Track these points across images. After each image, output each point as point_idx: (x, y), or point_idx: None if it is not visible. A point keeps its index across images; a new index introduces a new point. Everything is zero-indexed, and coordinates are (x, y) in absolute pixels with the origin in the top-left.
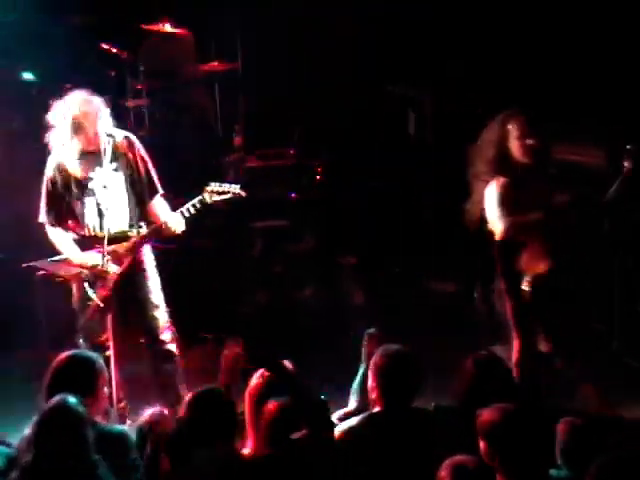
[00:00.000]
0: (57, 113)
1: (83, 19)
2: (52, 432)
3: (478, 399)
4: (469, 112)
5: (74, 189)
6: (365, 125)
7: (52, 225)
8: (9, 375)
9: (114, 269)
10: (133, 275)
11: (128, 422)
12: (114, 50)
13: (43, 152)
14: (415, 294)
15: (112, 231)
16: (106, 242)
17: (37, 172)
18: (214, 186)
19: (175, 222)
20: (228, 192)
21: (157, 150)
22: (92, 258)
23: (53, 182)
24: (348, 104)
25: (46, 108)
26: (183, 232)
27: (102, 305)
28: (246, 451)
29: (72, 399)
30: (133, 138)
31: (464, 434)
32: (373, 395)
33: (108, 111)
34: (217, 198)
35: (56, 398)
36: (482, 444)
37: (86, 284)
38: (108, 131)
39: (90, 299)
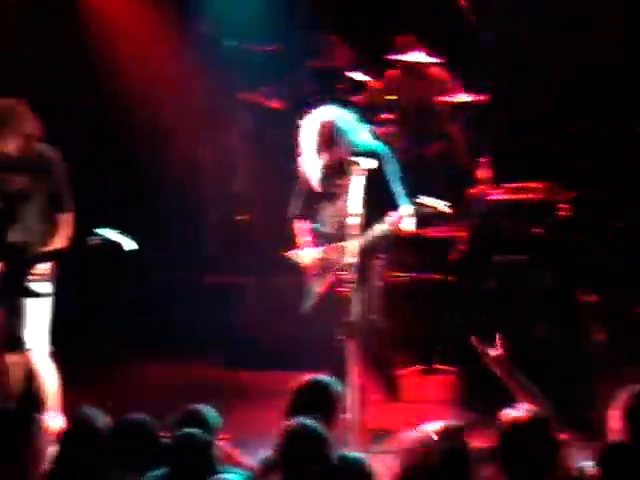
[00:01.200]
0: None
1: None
2: (299, 455)
3: None
4: None
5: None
6: (617, 165)
7: (300, 219)
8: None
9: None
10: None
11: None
12: (362, 77)
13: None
14: None
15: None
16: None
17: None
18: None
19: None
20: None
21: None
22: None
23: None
24: (603, 143)
25: (293, 130)
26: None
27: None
28: None
29: (314, 422)
30: None
31: None
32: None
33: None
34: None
35: (299, 420)
36: None
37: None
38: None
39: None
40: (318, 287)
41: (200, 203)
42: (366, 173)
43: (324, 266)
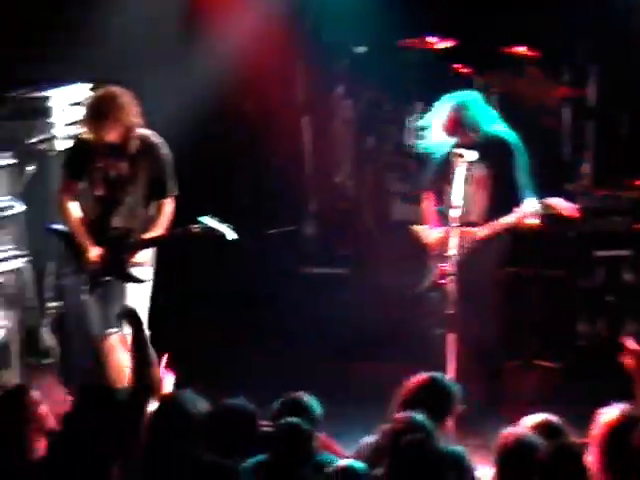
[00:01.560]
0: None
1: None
2: (406, 448)
3: None
4: None
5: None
6: None
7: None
8: None
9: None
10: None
11: None
12: (467, 71)
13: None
14: None
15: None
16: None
17: None
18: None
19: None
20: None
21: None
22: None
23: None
24: None
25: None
26: None
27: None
28: None
29: (424, 417)
30: None
31: None
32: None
33: None
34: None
35: (408, 414)
36: None
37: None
38: None
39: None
40: (436, 269)
41: (302, 193)
42: (469, 165)
43: (444, 248)
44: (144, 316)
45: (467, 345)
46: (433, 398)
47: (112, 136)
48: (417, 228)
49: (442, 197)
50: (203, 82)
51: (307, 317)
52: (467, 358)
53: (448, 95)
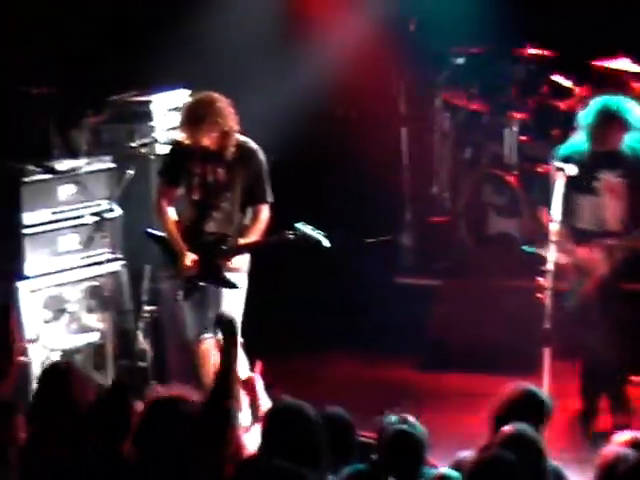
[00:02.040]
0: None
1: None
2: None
3: None
4: None
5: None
6: None
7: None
8: None
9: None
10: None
11: None
12: (566, 83)
13: None
14: None
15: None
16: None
17: None
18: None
19: None
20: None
21: None
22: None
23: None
24: None
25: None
26: None
27: None
28: None
29: (532, 430)
30: None
31: None
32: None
33: None
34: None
35: (518, 426)
36: None
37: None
38: None
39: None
40: (580, 286)
41: (399, 203)
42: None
43: (580, 265)
44: (238, 322)
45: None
46: (528, 410)
47: (208, 141)
48: (540, 249)
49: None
50: (301, 89)
51: (400, 327)
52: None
53: (605, 99)
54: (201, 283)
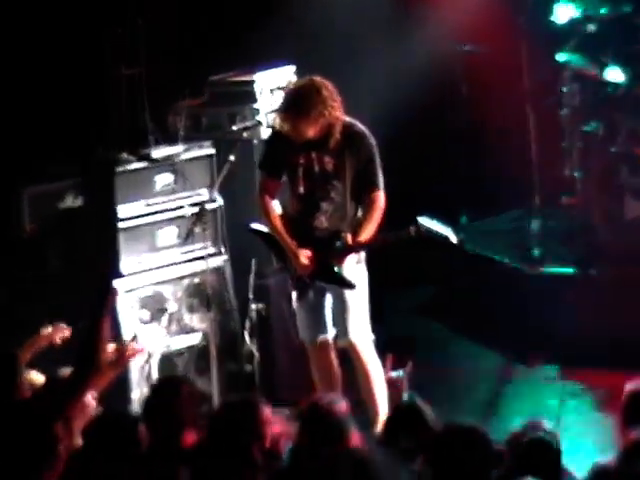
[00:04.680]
0: None
1: None
2: None
3: None
4: None
5: None
6: None
7: None
8: None
9: None
10: None
11: None
12: None
13: None
14: None
15: None
16: None
17: None
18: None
19: None
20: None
21: None
22: None
23: None
24: None
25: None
26: None
27: None
28: None
29: None
30: None
31: None
32: None
33: None
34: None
35: None
36: None
37: None
38: None
39: None
40: None
41: (527, 187)
42: None
43: None
44: (365, 320)
45: None
46: None
47: (312, 132)
48: None
49: None
50: (418, 66)
51: (528, 317)
52: None
53: None
54: (315, 282)
